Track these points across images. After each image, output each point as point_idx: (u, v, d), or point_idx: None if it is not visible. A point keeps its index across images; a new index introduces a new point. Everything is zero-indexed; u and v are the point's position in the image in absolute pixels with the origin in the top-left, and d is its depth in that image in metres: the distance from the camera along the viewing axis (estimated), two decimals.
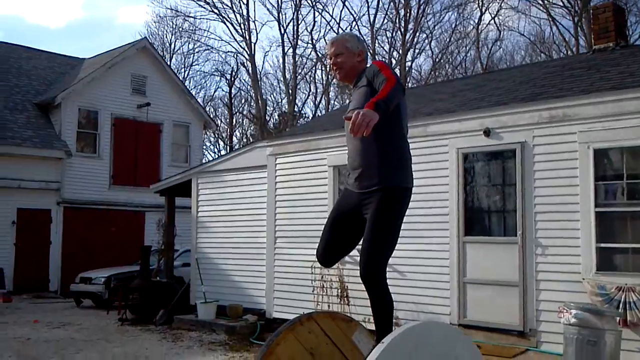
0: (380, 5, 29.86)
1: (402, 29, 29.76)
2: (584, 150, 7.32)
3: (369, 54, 3.55)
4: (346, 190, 3.80)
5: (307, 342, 3.77)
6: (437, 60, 30.86)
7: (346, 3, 36.81)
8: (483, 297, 8.14)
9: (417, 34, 29.82)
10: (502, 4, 30.93)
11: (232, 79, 35.98)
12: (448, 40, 30.25)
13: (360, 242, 3.65)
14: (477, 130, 8.32)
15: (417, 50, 30.36)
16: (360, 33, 29.16)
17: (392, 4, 29.50)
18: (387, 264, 3.57)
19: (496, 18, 29.54)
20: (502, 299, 7.98)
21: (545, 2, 26.80)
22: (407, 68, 30.13)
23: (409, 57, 30.03)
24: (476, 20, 30.02)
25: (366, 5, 32.03)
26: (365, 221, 3.58)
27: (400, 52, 29.62)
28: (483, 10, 29.71)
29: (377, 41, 29.40)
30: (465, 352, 3.54)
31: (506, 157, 8.12)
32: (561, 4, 26.73)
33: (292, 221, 10.51)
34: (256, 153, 11.44)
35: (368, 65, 3.74)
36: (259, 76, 32.99)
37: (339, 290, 9.40)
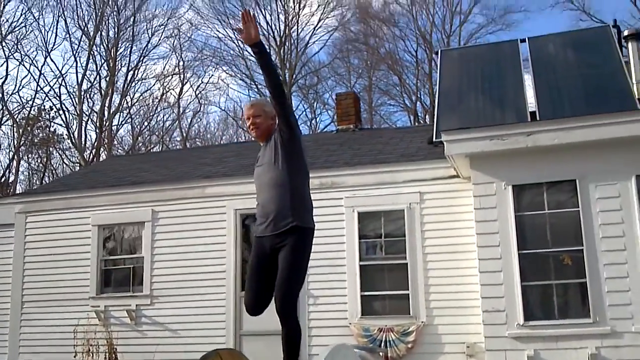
0: (88, 67, 29.05)
1: (108, 93, 29.46)
2: (350, 213, 8.66)
3: None
4: (258, 240, 4.19)
5: None
6: (140, 126, 31.01)
7: (50, 57, 34.69)
8: (258, 346, 8.76)
9: (123, 100, 29.78)
10: (204, 79, 32.86)
11: None
12: (153, 108, 30.77)
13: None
14: (253, 193, 9.09)
15: (123, 115, 30.21)
16: (67, 91, 28.23)
17: (95, 66, 29.06)
18: (297, 299, 4.09)
19: (198, 93, 31.11)
20: (276, 348, 8.65)
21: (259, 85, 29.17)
22: (112, 132, 29.83)
23: (115, 121, 29.77)
24: (178, 91, 31.18)
25: (74, 61, 30.54)
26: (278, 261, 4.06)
27: (107, 115, 29.20)
28: (184, 82, 31.08)
29: (84, 103, 28.59)
30: None
31: None
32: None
33: (47, 284, 9.86)
34: None
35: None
36: None
37: (107, 354, 9.09)
